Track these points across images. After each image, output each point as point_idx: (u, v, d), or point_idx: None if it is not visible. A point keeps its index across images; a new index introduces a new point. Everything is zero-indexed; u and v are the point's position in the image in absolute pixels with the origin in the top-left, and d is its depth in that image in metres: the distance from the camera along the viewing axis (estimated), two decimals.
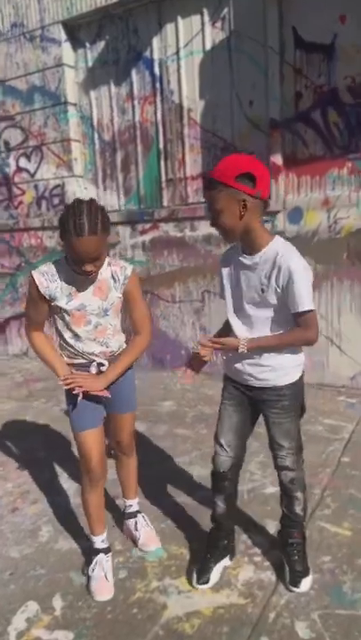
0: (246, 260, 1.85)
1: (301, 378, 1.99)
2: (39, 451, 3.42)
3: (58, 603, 2.03)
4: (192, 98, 4.72)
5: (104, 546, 2.17)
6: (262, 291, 1.83)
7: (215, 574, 2.07)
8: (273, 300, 1.83)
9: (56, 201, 5.54)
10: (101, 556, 2.13)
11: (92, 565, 2.12)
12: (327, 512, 2.50)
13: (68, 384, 1.98)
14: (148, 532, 2.35)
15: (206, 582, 2.04)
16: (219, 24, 4.45)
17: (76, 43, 5.24)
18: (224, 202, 1.74)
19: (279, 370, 1.91)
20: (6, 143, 5.78)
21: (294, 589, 1.99)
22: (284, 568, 2.06)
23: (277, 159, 4.22)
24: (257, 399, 1.98)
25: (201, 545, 2.21)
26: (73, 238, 1.78)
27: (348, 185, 4.02)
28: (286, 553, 2.08)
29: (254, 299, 1.87)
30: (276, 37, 4.08)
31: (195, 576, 2.06)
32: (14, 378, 5.24)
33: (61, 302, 1.97)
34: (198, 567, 2.09)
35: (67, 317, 2.01)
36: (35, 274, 1.96)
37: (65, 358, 2.09)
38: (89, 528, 2.18)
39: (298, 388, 1.98)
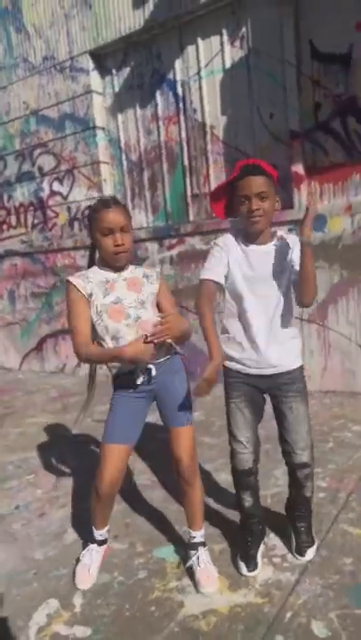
0: (262, 247, 2.00)
1: None
2: (70, 460, 3.50)
3: (78, 600, 2.07)
4: (214, 115, 4.85)
5: (101, 538, 2.25)
6: (282, 272, 1.99)
7: (259, 559, 2.14)
8: (287, 278, 2.02)
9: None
10: (94, 545, 2.24)
11: (84, 551, 2.25)
12: (351, 515, 2.45)
13: (159, 334, 1.87)
14: (208, 569, 2.09)
15: (255, 568, 2.11)
16: (237, 43, 4.58)
17: (103, 70, 5.49)
18: (271, 190, 1.91)
19: (292, 353, 2.05)
20: (40, 169, 6.07)
21: (300, 558, 2.14)
22: (291, 539, 2.21)
23: (299, 169, 4.25)
24: (271, 386, 2.05)
25: (221, 546, 2.22)
26: (102, 211, 1.95)
27: None
28: (294, 524, 2.22)
29: (270, 280, 1.99)
30: (292, 51, 4.16)
31: (242, 565, 2.11)
32: (49, 393, 5.39)
33: (99, 298, 1.99)
34: (243, 556, 2.14)
35: (104, 316, 1.98)
36: (70, 278, 2.01)
37: (114, 371, 2.07)
38: (94, 522, 2.23)
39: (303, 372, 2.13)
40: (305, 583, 2.01)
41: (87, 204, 5.67)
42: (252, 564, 2.11)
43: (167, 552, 2.33)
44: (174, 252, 5.10)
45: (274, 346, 2.01)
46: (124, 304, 2.00)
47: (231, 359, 2.07)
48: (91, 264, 2.12)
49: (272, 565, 2.14)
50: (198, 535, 2.17)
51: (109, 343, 2.00)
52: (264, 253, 2.00)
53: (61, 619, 1.97)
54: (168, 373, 2.07)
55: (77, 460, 3.46)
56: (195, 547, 2.16)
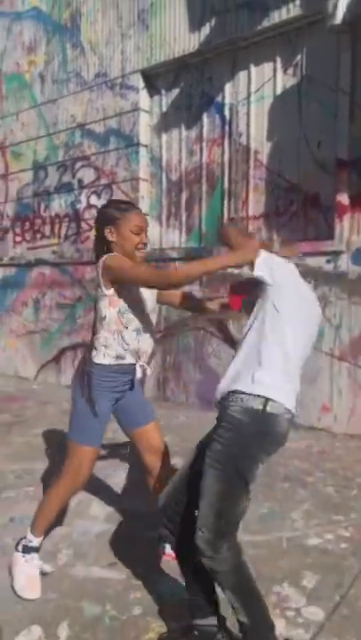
0: None
1: None
2: None
3: (63, 631, 1.85)
4: (260, 140, 4.77)
5: (38, 545, 2.16)
6: None
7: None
8: None
9: None
10: (35, 554, 2.13)
11: (24, 562, 2.10)
12: None
13: None
14: None
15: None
16: (291, 70, 4.53)
17: (153, 90, 5.51)
18: None
19: None
20: (80, 181, 6.08)
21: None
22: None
23: (344, 199, 4.10)
24: None
25: None
26: (135, 212, 2.07)
27: None
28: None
29: None
30: (348, 79, 4.06)
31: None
32: (62, 406, 5.22)
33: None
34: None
35: (132, 307, 2.05)
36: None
37: (110, 360, 2.03)
38: (39, 528, 2.14)
39: None
40: None
41: None
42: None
43: (167, 588, 2.09)
44: None
45: None
46: (143, 297, 2.11)
47: None
48: (98, 258, 2.08)
49: (284, 618, 1.89)
50: None
51: (132, 332, 2.05)
52: None
53: None
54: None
55: None
56: None
